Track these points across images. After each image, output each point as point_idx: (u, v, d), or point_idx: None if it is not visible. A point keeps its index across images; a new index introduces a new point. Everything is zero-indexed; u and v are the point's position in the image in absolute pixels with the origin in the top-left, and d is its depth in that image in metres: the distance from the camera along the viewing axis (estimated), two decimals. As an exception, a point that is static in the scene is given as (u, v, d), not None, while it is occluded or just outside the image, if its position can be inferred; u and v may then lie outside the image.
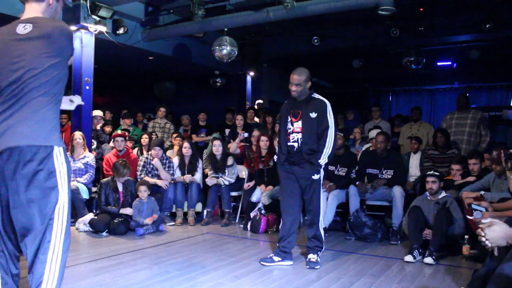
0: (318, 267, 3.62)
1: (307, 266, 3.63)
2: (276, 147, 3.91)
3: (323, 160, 3.60)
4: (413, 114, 6.75)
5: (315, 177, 3.64)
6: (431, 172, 4.39)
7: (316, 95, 3.74)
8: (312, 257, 3.69)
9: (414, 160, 5.75)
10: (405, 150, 6.34)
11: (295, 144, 3.67)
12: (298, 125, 3.67)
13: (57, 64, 1.89)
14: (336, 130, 3.70)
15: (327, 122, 3.62)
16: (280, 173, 3.83)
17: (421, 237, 4.08)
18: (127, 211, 4.90)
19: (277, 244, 3.81)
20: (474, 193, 4.11)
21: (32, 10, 1.99)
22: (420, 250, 3.95)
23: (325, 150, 3.59)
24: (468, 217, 3.97)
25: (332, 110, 3.68)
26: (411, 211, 4.26)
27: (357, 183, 4.97)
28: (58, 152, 1.88)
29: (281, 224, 3.82)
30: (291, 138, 3.70)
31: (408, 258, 3.88)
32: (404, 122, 7.77)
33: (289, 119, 3.73)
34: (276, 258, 3.70)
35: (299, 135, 3.65)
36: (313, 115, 3.63)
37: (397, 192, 4.76)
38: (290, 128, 3.72)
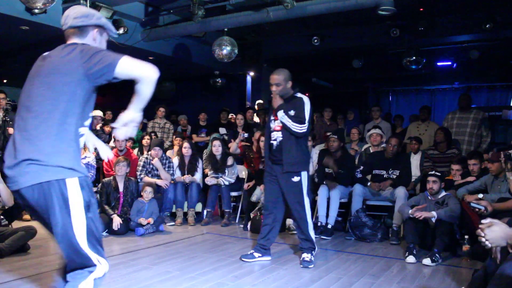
0: (311, 266, 3.65)
1: (301, 266, 3.66)
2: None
3: (280, 114, 3.60)
4: (422, 114, 6.73)
5: (295, 179, 3.65)
6: (433, 172, 4.39)
7: (299, 94, 3.77)
8: (305, 256, 3.72)
9: (414, 160, 5.74)
10: (410, 148, 6.30)
11: (274, 142, 3.74)
12: (278, 123, 3.71)
13: None
14: (308, 129, 3.67)
15: (303, 115, 3.60)
16: (265, 173, 3.91)
17: (417, 236, 4.08)
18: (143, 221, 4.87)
19: (257, 241, 3.90)
20: (474, 196, 4.09)
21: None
22: (418, 249, 3.96)
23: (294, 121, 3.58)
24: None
25: (310, 108, 3.68)
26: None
27: (369, 183, 4.97)
28: None
29: (262, 224, 3.94)
30: (272, 136, 3.77)
31: (410, 259, 3.86)
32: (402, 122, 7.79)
33: (272, 118, 3.79)
34: (256, 254, 3.80)
35: (279, 134, 3.71)
36: (292, 113, 3.63)
37: (401, 193, 4.76)
38: (271, 127, 3.79)
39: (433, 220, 3.97)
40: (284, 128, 3.64)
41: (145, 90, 1.86)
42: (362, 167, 5.14)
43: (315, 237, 4.77)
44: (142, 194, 5.04)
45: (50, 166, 1.80)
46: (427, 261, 3.76)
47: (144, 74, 1.84)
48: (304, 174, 3.69)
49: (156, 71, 1.85)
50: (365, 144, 6.49)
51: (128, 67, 1.83)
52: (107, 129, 7.26)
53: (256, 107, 8.87)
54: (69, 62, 1.86)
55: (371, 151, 5.67)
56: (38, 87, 1.86)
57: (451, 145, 5.55)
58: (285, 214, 5.18)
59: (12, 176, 1.83)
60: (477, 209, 3.58)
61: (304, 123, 3.59)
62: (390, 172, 5.03)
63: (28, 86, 1.91)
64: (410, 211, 4.09)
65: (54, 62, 1.90)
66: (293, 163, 3.61)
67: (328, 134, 5.96)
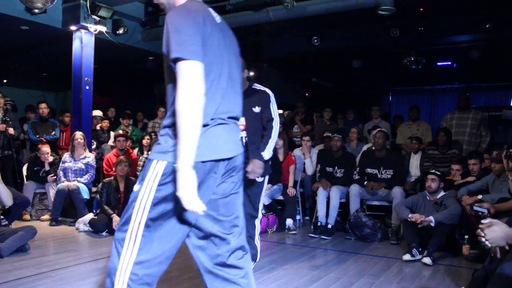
0: None
1: None
2: None
3: (267, 153, 3.14)
4: (411, 114, 6.72)
5: (259, 179, 3.27)
6: (433, 171, 4.39)
7: (258, 86, 3.33)
8: None
9: (414, 160, 5.75)
10: (407, 149, 6.31)
11: None
12: (240, 122, 3.33)
13: None
14: (280, 122, 3.34)
15: (270, 114, 3.24)
16: None
17: (417, 236, 4.07)
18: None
19: None
20: (473, 198, 4.09)
21: None
22: (420, 249, 3.96)
23: (270, 141, 3.18)
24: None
25: (276, 101, 3.31)
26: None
27: (365, 183, 4.98)
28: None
29: None
30: None
31: (406, 256, 3.89)
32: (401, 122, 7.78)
33: None
34: None
35: (243, 133, 3.14)
36: (257, 109, 3.22)
37: (397, 193, 4.77)
38: None
39: (432, 224, 3.97)
40: (248, 126, 3.15)
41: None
42: (358, 168, 5.15)
43: (315, 237, 4.81)
44: None
45: None
46: (427, 260, 3.78)
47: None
48: (266, 178, 3.35)
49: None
50: (364, 144, 6.50)
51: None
52: (104, 124, 7.27)
53: None
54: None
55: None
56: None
57: (452, 145, 5.55)
58: (285, 214, 5.24)
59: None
60: (480, 213, 3.57)
61: (273, 120, 3.23)
62: (382, 171, 5.04)
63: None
64: (409, 215, 4.08)
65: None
66: (258, 154, 3.17)
67: (326, 135, 5.98)
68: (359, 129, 6.85)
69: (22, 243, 3.87)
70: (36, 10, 5.53)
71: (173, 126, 1.57)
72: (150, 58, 8.28)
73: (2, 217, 4.21)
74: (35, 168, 5.80)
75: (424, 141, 6.13)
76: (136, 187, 1.61)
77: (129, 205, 1.61)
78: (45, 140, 6.35)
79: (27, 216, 5.55)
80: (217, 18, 1.76)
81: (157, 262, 1.61)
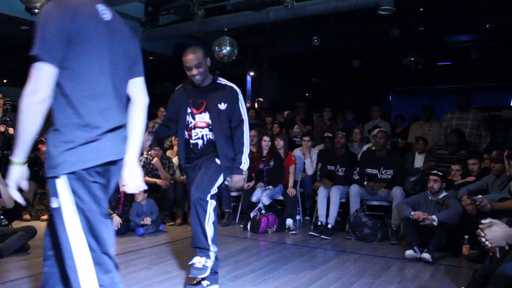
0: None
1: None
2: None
3: (245, 165, 2.90)
4: (424, 113, 6.70)
5: (217, 161, 2.94)
6: (435, 171, 4.39)
7: (223, 80, 3.00)
8: (197, 260, 2.92)
9: (418, 160, 5.72)
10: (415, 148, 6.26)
11: (199, 142, 2.95)
12: (202, 118, 2.92)
13: None
14: (250, 123, 3.04)
15: (239, 114, 2.92)
16: (187, 176, 3.14)
17: (417, 235, 4.08)
18: (147, 221, 4.89)
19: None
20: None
21: None
22: (420, 249, 3.96)
23: (244, 150, 2.91)
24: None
25: (243, 99, 3.04)
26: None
27: (365, 183, 4.98)
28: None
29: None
30: (193, 134, 2.95)
31: (409, 252, 3.89)
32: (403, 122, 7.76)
33: (189, 110, 2.96)
34: (205, 283, 2.98)
35: (205, 131, 2.93)
36: (223, 106, 2.89)
37: (397, 193, 4.76)
38: (190, 122, 2.95)
39: (435, 224, 3.96)
40: (214, 124, 2.90)
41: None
42: (358, 168, 5.15)
43: (316, 235, 4.81)
44: (135, 196, 4.97)
45: None
46: (426, 255, 3.79)
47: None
48: (224, 177, 3.01)
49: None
50: (364, 144, 6.50)
51: None
52: None
53: (255, 104, 8.85)
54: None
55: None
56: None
57: (462, 147, 5.46)
58: (285, 214, 5.24)
59: None
60: (478, 203, 3.59)
61: (243, 122, 2.93)
62: (382, 172, 5.04)
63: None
64: (412, 213, 4.08)
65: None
66: (238, 169, 2.94)
67: (326, 135, 5.97)
68: (361, 129, 6.86)
69: (22, 243, 3.87)
70: (36, 10, 5.53)
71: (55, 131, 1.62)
72: (150, 58, 8.28)
73: (2, 217, 4.20)
74: (35, 168, 5.80)
75: (435, 142, 6.10)
76: (54, 204, 1.65)
77: (57, 224, 1.67)
78: (45, 140, 6.34)
79: (27, 216, 5.55)
80: (107, 15, 1.71)
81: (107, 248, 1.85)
